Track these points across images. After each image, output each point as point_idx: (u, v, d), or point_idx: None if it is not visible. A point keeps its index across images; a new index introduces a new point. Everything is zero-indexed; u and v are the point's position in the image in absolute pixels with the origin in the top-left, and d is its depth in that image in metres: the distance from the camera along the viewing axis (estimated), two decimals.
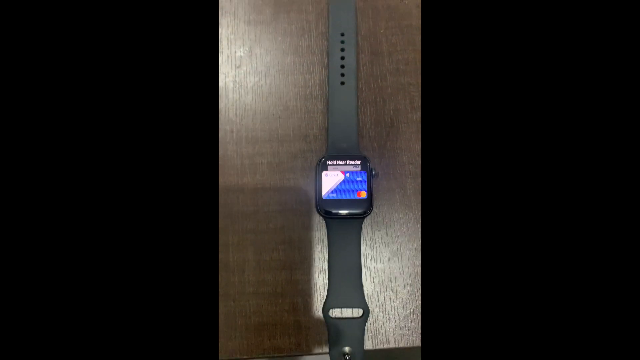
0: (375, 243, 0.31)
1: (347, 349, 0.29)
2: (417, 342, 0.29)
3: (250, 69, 0.34)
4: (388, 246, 0.31)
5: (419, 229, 0.31)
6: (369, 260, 0.31)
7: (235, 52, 0.35)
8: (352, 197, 0.30)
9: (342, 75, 0.33)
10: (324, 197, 0.30)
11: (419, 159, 0.32)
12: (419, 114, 0.33)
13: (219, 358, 0.29)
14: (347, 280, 0.30)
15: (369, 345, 0.29)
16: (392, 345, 0.29)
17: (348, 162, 0.31)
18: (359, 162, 0.30)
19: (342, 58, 0.34)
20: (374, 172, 0.31)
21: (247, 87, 0.34)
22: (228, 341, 0.30)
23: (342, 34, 0.34)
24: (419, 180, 0.32)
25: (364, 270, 0.30)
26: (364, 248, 0.31)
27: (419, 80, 0.34)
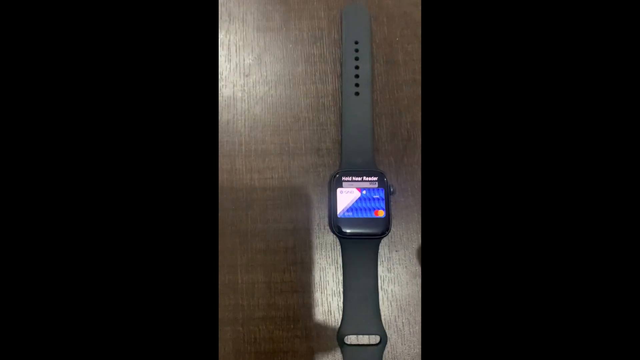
0: (393, 264, 0.29)
1: None
2: None
3: (259, 77, 0.33)
4: (406, 267, 0.29)
5: None
6: (386, 282, 0.29)
7: (244, 59, 0.33)
8: (369, 215, 0.28)
9: (357, 85, 0.32)
10: (339, 216, 0.28)
11: None
12: None
13: None
14: (363, 304, 0.28)
15: None
16: None
17: (364, 178, 0.29)
18: (376, 178, 0.29)
19: (357, 67, 0.32)
20: (391, 189, 0.29)
21: (256, 97, 0.32)
22: None
23: (356, 42, 0.33)
24: None
25: (381, 293, 0.29)
26: (380, 270, 0.29)
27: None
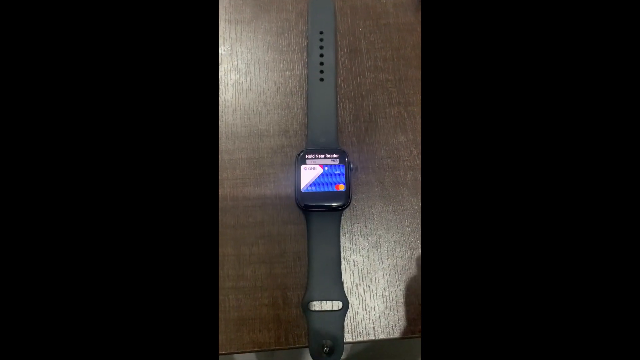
0: (355, 235, 0.31)
1: (327, 342, 0.29)
2: (396, 334, 0.29)
3: (230, 66, 0.35)
4: (367, 238, 0.31)
5: (397, 221, 0.31)
6: (348, 252, 0.31)
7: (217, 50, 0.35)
8: (330, 189, 0.30)
9: (321, 72, 0.34)
10: (302, 191, 0.30)
11: (397, 153, 0.33)
12: (397, 109, 0.34)
13: None
14: (326, 273, 0.30)
15: (348, 338, 0.29)
16: (371, 337, 0.29)
17: (326, 155, 0.31)
18: (337, 155, 0.31)
19: (321, 55, 0.34)
20: (352, 166, 0.31)
21: (227, 84, 0.34)
22: None
23: (321, 32, 0.35)
24: (397, 173, 0.32)
25: (343, 262, 0.31)
26: (343, 241, 0.31)
27: (397, 77, 0.34)
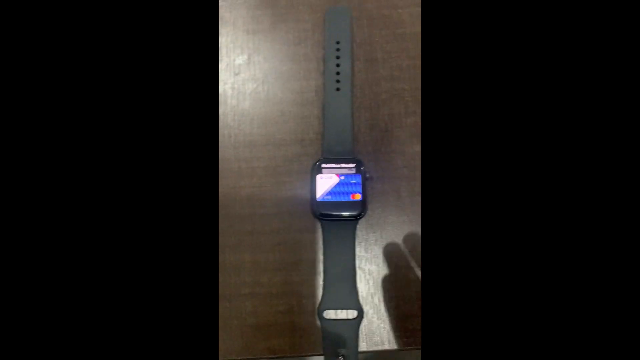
0: (370, 245, 0.31)
1: (341, 350, 0.29)
2: (411, 343, 0.29)
3: (248, 76, 0.35)
4: (383, 248, 0.31)
5: (413, 231, 0.31)
6: (363, 262, 0.31)
7: (235, 60, 0.36)
8: (346, 199, 0.30)
9: (338, 81, 0.34)
10: (318, 200, 0.30)
11: (413, 162, 0.33)
12: (413, 118, 0.34)
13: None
14: (341, 281, 0.30)
15: (363, 347, 0.30)
16: (386, 347, 0.30)
17: (342, 165, 0.31)
18: (353, 165, 0.31)
19: (338, 65, 0.35)
20: (368, 175, 0.31)
21: (245, 93, 0.35)
22: (223, 342, 0.30)
23: (338, 42, 0.35)
24: (413, 183, 0.32)
25: (358, 272, 0.31)
26: (358, 250, 0.31)
27: (413, 86, 0.35)
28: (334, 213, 0.30)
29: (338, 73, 0.34)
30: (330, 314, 0.30)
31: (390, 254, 0.31)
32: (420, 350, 0.30)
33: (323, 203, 0.30)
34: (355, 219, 0.31)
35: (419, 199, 0.32)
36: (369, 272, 0.31)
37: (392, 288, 0.31)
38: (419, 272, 0.31)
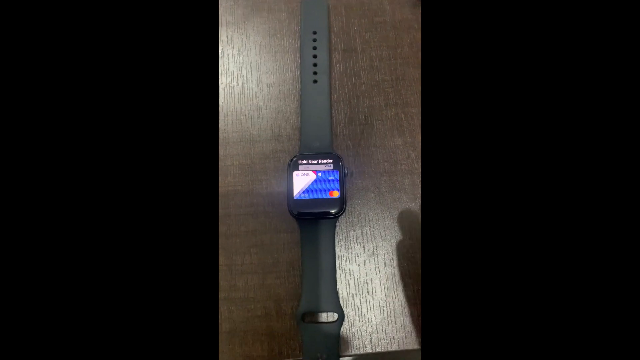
0: (350, 243, 0.30)
1: (321, 355, 0.28)
2: (394, 346, 0.28)
3: (221, 70, 0.34)
4: (363, 246, 0.30)
5: (395, 228, 0.30)
6: (343, 261, 0.30)
7: None
8: (324, 196, 0.29)
9: (315, 73, 0.33)
10: (295, 198, 0.29)
11: (394, 156, 0.31)
12: (394, 110, 0.32)
13: None
14: (321, 283, 0.29)
15: (344, 350, 0.28)
16: (368, 350, 0.28)
17: (320, 161, 0.30)
18: (330, 160, 0.30)
19: (315, 56, 0.33)
20: (347, 171, 0.30)
21: (218, 88, 0.33)
22: None
23: (314, 32, 0.34)
24: (395, 178, 0.31)
25: (338, 272, 0.29)
26: (338, 249, 0.30)
27: (394, 77, 0.33)
28: (312, 211, 0.29)
29: (315, 64, 0.33)
30: (309, 317, 0.28)
31: (371, 253, 0.30)
32: (407, 353, 0.29)
33: (300, 201, 0.29)
34: (334, 217, 0.29)
35: (400, 194, 0.31)
36: (350, 272, 0.30)
37: (374, 288, 0.29)
38: (401, 271, 0.29)
